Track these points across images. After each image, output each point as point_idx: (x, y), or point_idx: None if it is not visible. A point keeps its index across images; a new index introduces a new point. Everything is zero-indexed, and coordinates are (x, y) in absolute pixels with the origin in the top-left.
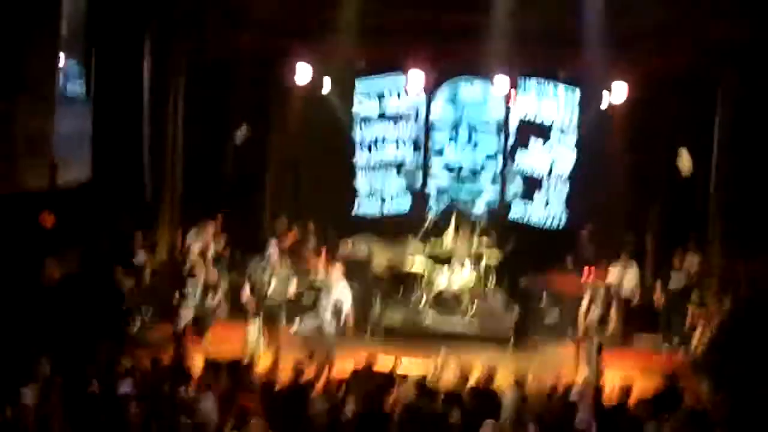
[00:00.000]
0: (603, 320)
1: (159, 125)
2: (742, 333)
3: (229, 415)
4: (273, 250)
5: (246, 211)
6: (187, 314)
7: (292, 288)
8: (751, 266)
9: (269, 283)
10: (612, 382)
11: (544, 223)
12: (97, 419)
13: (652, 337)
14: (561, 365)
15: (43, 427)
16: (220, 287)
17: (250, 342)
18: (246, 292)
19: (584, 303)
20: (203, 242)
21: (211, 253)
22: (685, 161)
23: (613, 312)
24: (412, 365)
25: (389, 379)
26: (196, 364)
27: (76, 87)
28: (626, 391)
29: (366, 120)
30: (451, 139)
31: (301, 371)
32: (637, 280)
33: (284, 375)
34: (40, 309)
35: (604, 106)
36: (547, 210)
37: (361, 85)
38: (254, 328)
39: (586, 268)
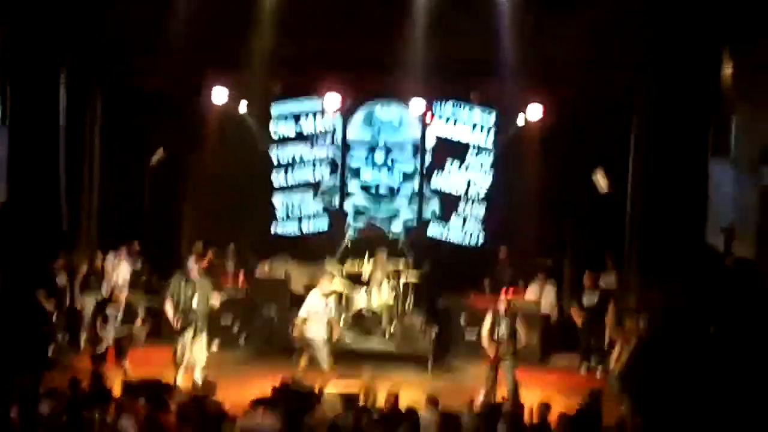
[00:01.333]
0: (513, 338)
1: (75, 149)
2: (658, 351)
3: None
4: (192, 265)
5: (164, 234)
6: (107, 337)
7: (216, 301)
8: (668, 285)
9: (192, 297)
10: (530, 401)
11: (462, 243)
12: None
13: (571, 356)
14: (479, 384)
15: None
16: (139, 311)
17: (179, 356)
18: (168, 307)
19: (487, 321)
20: (121, 266)
21: (128, 276)
22: (601, 180)
23: (521, 331)
24: (332, 384)
25: (311, 396)
26: (116, 386)
27: None
28: (545, 408)
29: (283, 141)
30: (367, 160)
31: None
32: (554, 299)
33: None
34: None
35: (519, 128)
36: (464, 230)
37: (278, 108)
38: (182, 342)
39: (503, 288)
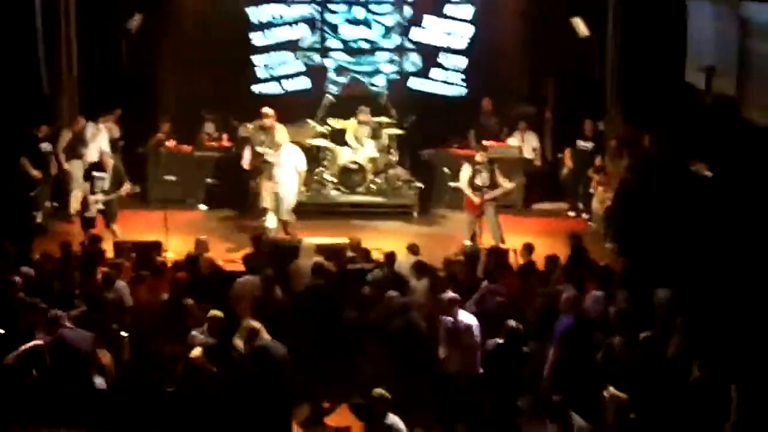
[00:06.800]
0: (494, 185)
1: (52, 17)
2: (640, 193)
3: (142, 293)
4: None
5: (143, 100)
6: (95, 202)
7: None
8: (649, 127)
9: None
10: (515, 245)
11: (444, 95)
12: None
13: (555, 203)
14: (464, 233)
15: None
16: (125, 176)
17: None
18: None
19: (465, 170)
20: (104, 132)
21: (113, 141)
22: (580, 25)
23: (501, 178)
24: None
25: (293, 249)
26: (107, 248)
27: None
28: (528, 249)
29: (259, 0)
30: (346, 17)
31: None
32: (537, 145)
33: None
34: None
35: None
36: (445, 82)
37: None
38: None
39: (487, 138)
